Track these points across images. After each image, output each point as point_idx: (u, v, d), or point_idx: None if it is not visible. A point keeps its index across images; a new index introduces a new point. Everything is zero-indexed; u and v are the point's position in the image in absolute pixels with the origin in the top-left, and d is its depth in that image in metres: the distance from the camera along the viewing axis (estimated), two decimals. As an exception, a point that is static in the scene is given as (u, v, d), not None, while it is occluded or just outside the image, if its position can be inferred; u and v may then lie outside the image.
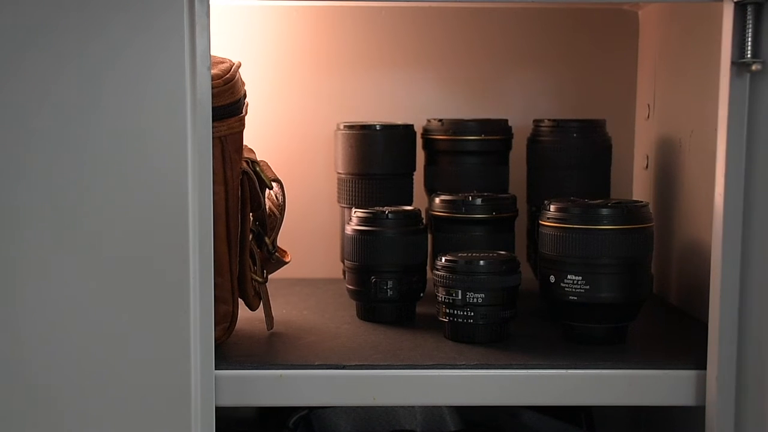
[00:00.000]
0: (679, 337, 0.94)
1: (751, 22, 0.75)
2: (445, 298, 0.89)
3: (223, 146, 0.84)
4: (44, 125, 0.76)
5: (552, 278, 0.89)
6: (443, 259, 0.90)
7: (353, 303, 1.00)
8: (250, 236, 0.90)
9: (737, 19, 0.76)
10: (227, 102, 0.84)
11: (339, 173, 1.11)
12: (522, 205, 1.07)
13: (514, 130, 1.10)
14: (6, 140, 0.76)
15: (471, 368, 0.83)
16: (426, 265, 0.99)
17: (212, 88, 0.78)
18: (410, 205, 1.08)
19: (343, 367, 0.83)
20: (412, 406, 1.04)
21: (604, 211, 0.87)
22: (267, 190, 0.91)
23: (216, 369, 0.80)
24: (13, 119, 0.75)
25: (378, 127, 1.09)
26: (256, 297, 0.92)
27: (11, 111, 0.75)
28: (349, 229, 0.98)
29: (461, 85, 1.23)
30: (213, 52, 0.79)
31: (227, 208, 0.85)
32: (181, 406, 0.78)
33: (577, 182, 1.05)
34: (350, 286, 0.99)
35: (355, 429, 1.04)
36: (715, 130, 0.79)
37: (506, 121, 1.10)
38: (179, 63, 0.75)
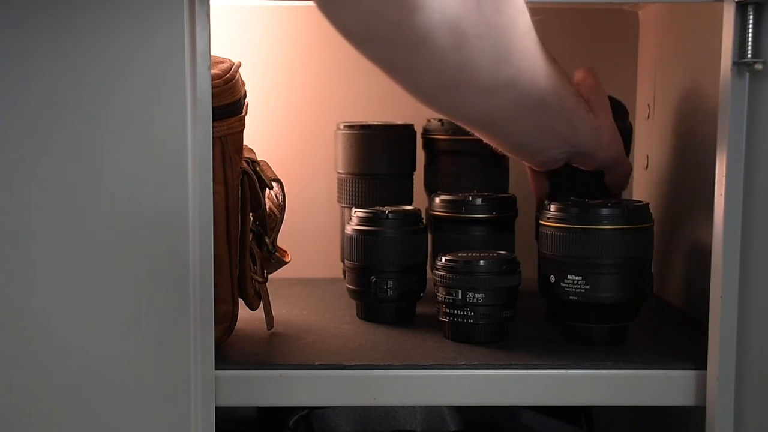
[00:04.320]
0: (679, 337, 0.94)
1: (751, 21, 0.75)
2: (445, 298, 0.89)
3: (223, 146, 0.84)
4: (46, 129, 0.76)
5: (552, 278, 0.89)
6: (443, 259, 0.90)
7: (353, 303, 1.00)
8: (250, 236, 0.90)
9: (738, 19, 0.76)
10: (227, 102, 0.84)
11: (339, 173, 1.11)
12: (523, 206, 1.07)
13: (514, 130, 1.10)
14: (18, 142, 0.76)
15: (471, 368, 0.83)
16: (426, 265, 0.99)
17: (212, 87, 0.78)
18: (410, 205, 1.08)
19: (343, 367, 0.83)
20: (412, 406, 1.04)
21: (604, 211, 0.87)
22: (267, 190, 0.91)
23: (216, 369, 0.80)
24: (27, 124, 0.76)
25: (378, 127, 1.09)
26: (256, 297, 0.92)
27: (26, 117, 0.75)
28: (349, 229, 0.98)
29: (461, 85, 1.23)
30: (213, 52, 0.79)
31: (227, 208, 0.85)
32: (181, 406, 0.78)
33: (577, 182, 1.04)
34: (350, 286, 0.99)
35: (355, 429, 1.04)
36: (715, 130, 0.79)
37: (506, 121, 1.10)
38: (179, 63, 0.75)
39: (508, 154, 0.96)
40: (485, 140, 0.91)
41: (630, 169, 0.99)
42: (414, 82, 0.77)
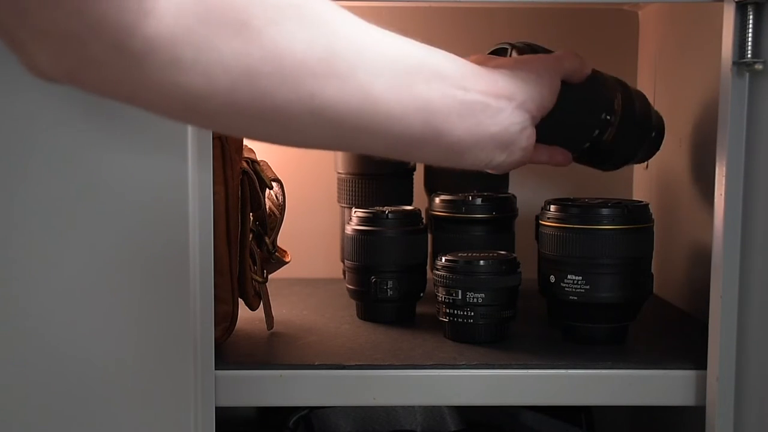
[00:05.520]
0: (679, 337, 0.94)
1: (751, 21, 0.75)
2: (445, 298, 0.89)
3: (223, 146, 0.84)
4: (46, 129, 0.76)
5: (552, 278, 0.89)
6: (443, 259, 0.90)
7: (353, 303, 1.00)
8: (250, 236, 0.90)
9: (738, 19, 0.76)
10: (227, 102, 0.84)
11: (339, 173, 1.11)
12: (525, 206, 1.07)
13: (514, 130, 1.10)
14: (12, 141, 0.76)
15: (471, 368, 0.83)
16: (426, 265, 0.99)
17: (212, 88, 0.78)
18: (410, 205, 1.08)
19: (343, 367, 0.83)
20: (412, 406, 1.04)
21: (604, 211, 0.87)
22: (267, 190, 0.91)
23: (216, 369, 0.80)
24: (21, 122, 0.75)
25: (378, 127, 1.08)
26: (256, 297, 0.92)
27: (25, 117, 0.75)
28: (349, 229, 0.98)
29: (461, 85, 1.22)
30: (213, 52, 0.79)
31: (227, 208, 0.85)
32: (181, 406, 0.78)
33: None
34: (350, 286, 0.99)
35: (355, 429, 1.04)
36: (715, 130, 0.79)
37: (506, 121, 1.10)
38: (179, 63, 0.75)
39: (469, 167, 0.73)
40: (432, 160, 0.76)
41: (563, 54, 0.84)
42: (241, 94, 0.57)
